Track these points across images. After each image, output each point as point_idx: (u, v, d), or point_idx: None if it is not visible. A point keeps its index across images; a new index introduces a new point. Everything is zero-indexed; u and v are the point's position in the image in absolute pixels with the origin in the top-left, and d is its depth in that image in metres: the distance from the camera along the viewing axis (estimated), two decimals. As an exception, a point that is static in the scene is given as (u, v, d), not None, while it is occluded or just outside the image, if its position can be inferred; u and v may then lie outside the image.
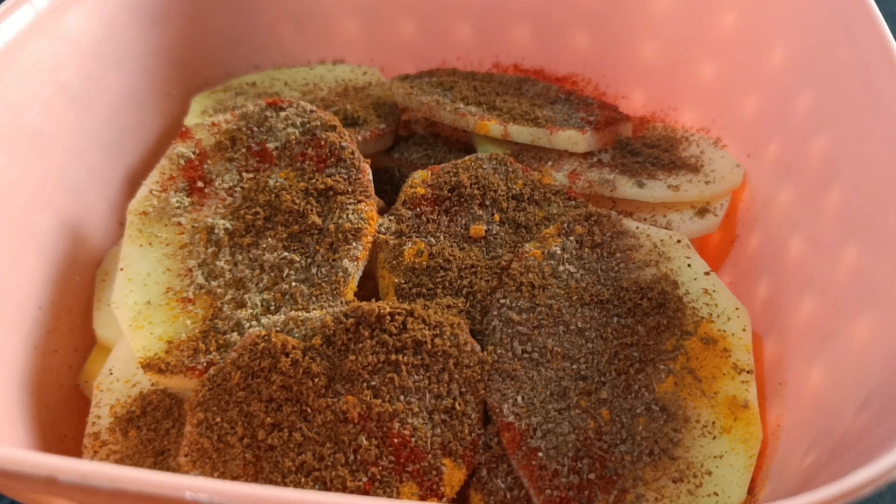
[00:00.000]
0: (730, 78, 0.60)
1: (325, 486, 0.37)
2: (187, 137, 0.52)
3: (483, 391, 0.41)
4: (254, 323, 0.43)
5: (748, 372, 0.43)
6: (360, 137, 0.57)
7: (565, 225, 0.48)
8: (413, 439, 0.38)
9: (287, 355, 0.40)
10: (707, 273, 0.47)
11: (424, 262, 0.47)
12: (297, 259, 0.46)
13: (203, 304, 0.44)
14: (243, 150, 0.51)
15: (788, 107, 0.53)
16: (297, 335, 0.41)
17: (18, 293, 0.45)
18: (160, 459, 0.42)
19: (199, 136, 0.51)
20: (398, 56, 0.71)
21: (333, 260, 0.46)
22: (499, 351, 0.43)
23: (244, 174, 0.50)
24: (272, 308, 0.44)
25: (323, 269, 0.45)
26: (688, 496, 0.38)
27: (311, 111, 0.52)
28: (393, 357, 0.40)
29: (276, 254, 0.46)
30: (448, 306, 0.44)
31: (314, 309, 0.43)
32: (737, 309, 0.45)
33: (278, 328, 0.42)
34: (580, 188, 0.53)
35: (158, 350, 0.42)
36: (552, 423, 0.40)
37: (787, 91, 0.53)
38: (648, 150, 0.59)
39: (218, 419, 0.39)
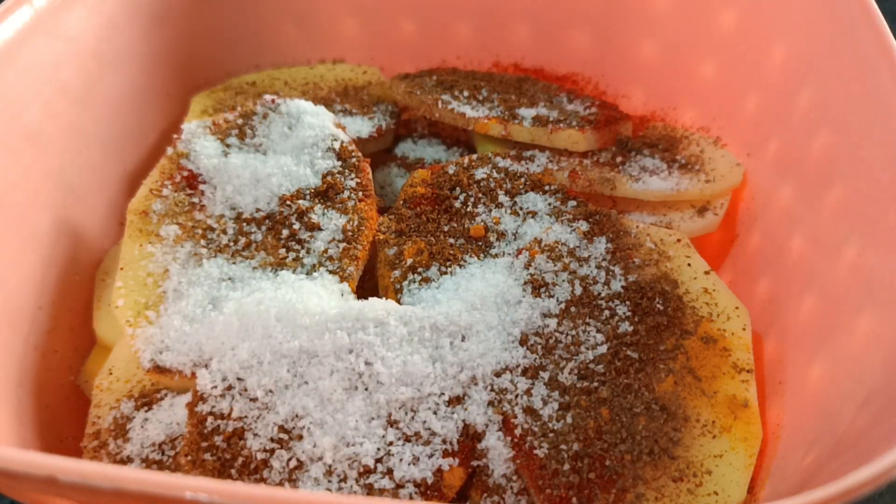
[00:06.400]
0: (730, 77, 0.60)
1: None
2: (187, 137, 0.51)
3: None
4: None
5: (748, 371, 0.43)
6: (360, 137, 0.57)
7: (565, 224, 0.48)
8: None
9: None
10: (707, 272, 0.47)
11: (424, 262, 0.47)
12: (297, 259, 0.46)
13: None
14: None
15: (788, 105, 0.53)
16: None
17: (18, 293, 0.45)
18: (160, 459, 0.42)
19: (198, 136, 0.51)
20: (398, 55, 0.71)
21: (333, 260, 0.46)
22: (499, 350, 0.43)
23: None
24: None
25: (323, 269, 0.45)
26: (688, 495, 0.38)
27: (311, 111, 0.52)
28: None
29: (276, 253, 0.46)
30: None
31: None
32: (737, 308, 0.45)
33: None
34: (580, 187, 0.53)
35: (158, 350, 0.42)
36: (552, 423, 0.40)
37: (787, 90, 0.53)
38: (648, 148, 0.59)
39: (218, 419, 0.39)
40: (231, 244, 0.47)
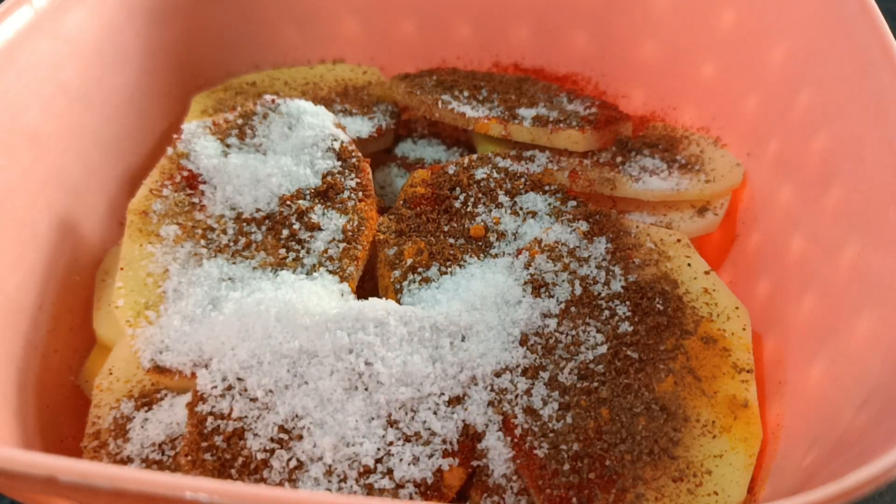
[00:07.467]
0: (730, 77, 0.60)
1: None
2: (187, 137, 0.51)
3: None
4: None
5: (748, 371, 0.43)
6: (360, 137, 0.57)
7: (565, 224, 0.48)
8: None
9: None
10: (707, 272, 0.47)
11: (424, 262, 0.47)
12: (297, 259, 0.46)
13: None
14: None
15: (788, 105, 0.53)
16: None
17: (18, 293, 0.45)
18: (160, 459, 0.42)
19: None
20: (398, 55, 0.71)
21: (333, 260, 0.46)
22: (499, 350, 0.43)
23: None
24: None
25: (323, 269, 0.45)
26: (688, 495, 0.38)
27: (311, 111, 0.52)
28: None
29: (276, 253, 0.46)
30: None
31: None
32: (737, 308, 0.45)
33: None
34: (580, 187, 0.53)
35: (158, 350, 0.42)
36: (552, 423, 0.40)
37: (787, 90, 0.53)
38: (648, 149, 0.59)
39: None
40: (231, 244, 0.47)
